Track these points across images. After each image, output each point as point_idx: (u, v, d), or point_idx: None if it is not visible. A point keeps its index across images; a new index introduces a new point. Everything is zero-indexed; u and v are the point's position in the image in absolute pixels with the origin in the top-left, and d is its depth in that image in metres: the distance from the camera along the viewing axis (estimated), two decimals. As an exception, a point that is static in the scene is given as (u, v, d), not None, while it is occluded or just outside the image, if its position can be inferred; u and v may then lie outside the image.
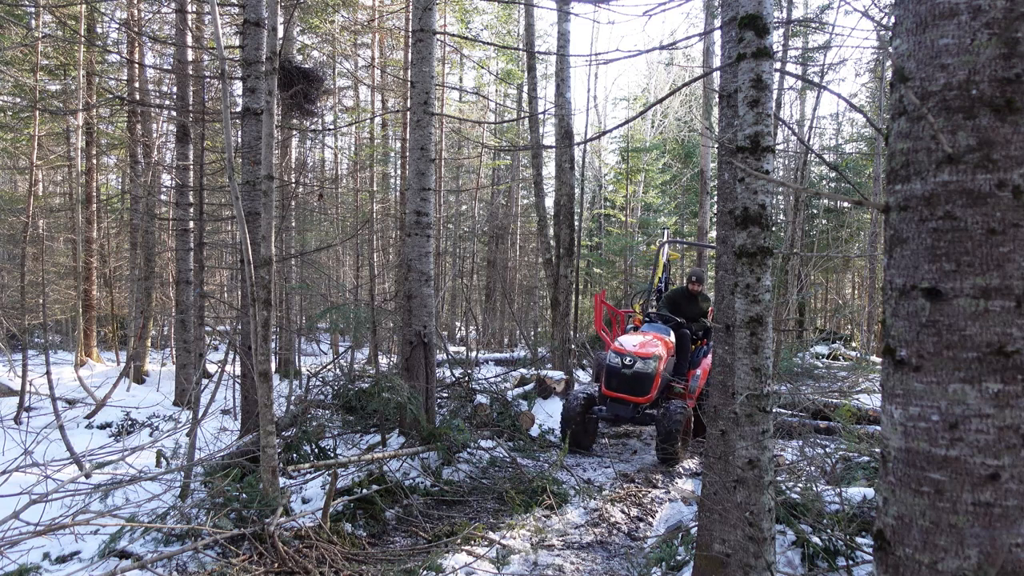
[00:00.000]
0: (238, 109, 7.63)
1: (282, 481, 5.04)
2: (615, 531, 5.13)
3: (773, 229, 2.58)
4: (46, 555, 4.10)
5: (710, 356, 7.91)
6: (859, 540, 3.63)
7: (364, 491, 5.06)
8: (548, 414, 8.32)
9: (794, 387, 8.53)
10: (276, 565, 3.79)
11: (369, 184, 17.11)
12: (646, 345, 7.21)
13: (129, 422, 9.30)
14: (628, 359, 7.10)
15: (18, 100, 13.93)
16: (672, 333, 7.74)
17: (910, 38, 1.31)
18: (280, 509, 4.12)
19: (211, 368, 12.32)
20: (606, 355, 7.53)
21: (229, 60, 9.43)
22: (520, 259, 24.09)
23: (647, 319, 8.17)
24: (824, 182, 19.18)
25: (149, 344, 15.14)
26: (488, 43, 18.17)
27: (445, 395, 8.08)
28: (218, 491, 4.42)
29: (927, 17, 1.28)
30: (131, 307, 16.00)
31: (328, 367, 8.14)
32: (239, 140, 7.66)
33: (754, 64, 2.49)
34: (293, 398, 6.82)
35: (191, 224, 10.87)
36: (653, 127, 23.01)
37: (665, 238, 10.43)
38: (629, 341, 7.33)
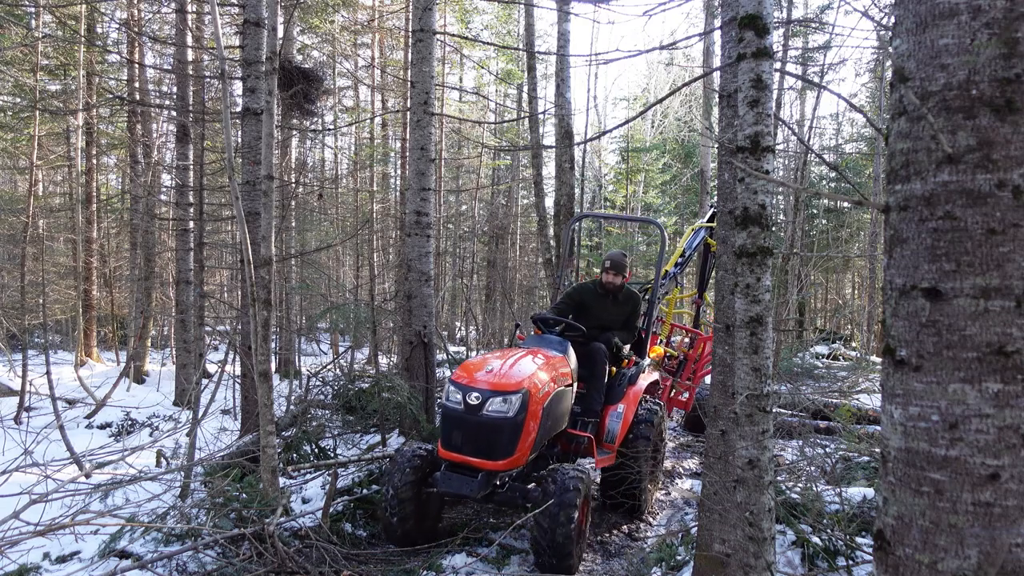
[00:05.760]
0: (238, 109, 7.62)
1: (282, 481, 5.04)
2: (615, 531, 5.13)
3: (773, 229, 2.58)
4: (46, 555, 4.10)
5: (640, 382, 5.47)
6: (859, 540, 3.63)
7: (364, 491, 5.06)
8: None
9: (794, 387, 8.51)
10: (276, 565, 3.79)
11: (369, 184, 17.13)
12: (509, 370, 4.32)
13: (129, 422, 9.30)
14: (474, 395, 4.16)
15: (18, 100, 13.93)
16: (571, 350, 4.96)
17: (910, 38, 1.31)
18: (280, 509, 4.12)
19: (211, 368, 12.31)
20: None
21: (229, 60, 9.42)
22: (520, 259, 24.07)
23: (536, 324, 5.44)
24: (824, 182, 19.17)
25: (149, 344, 15.15)
26: (488, 43, 18.18)
27: (445, 395, 8.06)
28: (218, 491, 4.42)
29: (927, 17, 1.28)
30: (131, 307, 15.99)
31: (328, 367, 8.14)
32: (239, 140, 7.66)
33: (754, 64, 2.49)
34: (293, 398, 6.83)
35: (191, 224, 10.87)
36: (653, 127, 23.01)
37: (706, 218, 7.65)
38: (482, 365, 4.43)
